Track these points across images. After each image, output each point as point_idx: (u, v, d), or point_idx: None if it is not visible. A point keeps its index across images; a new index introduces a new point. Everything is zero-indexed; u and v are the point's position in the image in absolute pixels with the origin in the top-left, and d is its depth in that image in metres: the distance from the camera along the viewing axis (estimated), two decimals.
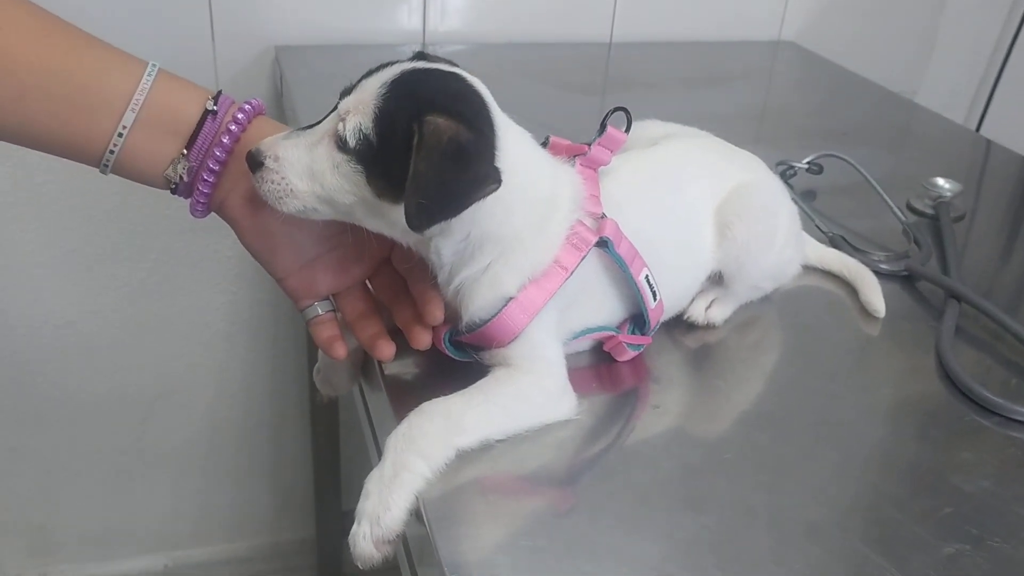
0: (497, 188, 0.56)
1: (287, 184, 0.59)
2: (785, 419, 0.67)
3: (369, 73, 0.60)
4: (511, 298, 0.62)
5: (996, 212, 1.07)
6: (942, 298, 0.82)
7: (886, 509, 0.59)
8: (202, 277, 1.47)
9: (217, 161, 0.63)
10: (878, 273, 0.84)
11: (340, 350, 0.67)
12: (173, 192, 0.65)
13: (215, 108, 0.63)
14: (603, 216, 0.65)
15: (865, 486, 0.62)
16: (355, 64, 1.30)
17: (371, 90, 0.58)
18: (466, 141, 0.56)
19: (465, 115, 0.57)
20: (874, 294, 0.81)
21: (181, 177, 0.63)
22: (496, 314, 0.62)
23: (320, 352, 0.71)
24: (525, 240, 0.62)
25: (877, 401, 0.71)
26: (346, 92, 0.60)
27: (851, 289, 0.84)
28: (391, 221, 0.59)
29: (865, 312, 0.81)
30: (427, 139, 0.54)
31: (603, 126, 0.68)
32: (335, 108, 0.60)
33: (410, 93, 0.57)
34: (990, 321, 0.79)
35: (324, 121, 0.60)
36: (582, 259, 0.63)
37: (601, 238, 0.64)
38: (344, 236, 0.64)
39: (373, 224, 0.61)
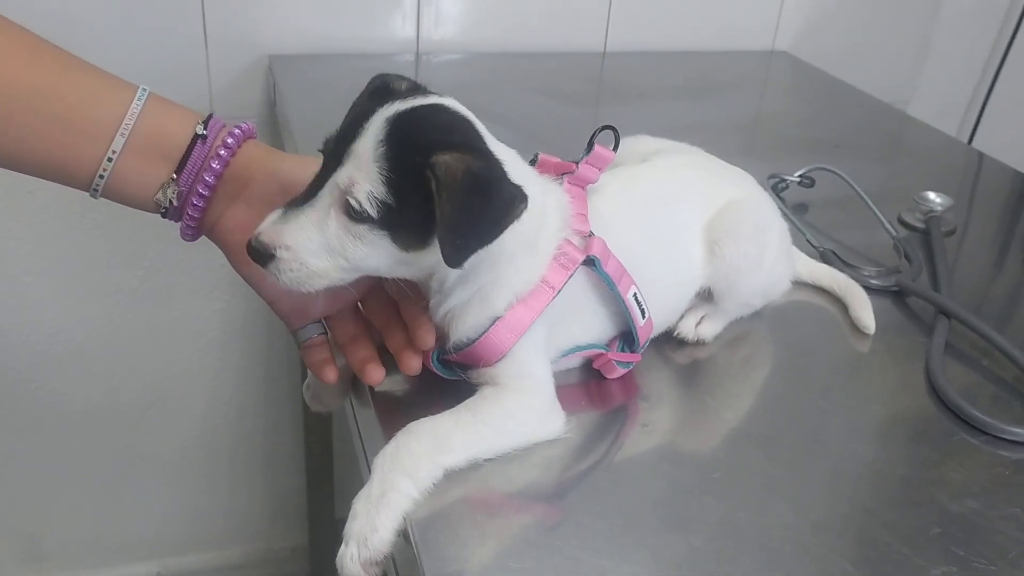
0: (527, 206, 0.56)
1: (307, 268, 0.58)
2: (775, 436, 0.67)
3: (348, 132, 0.58)
4: (498, 317, 0.62)
5: (988, 226, 1.08)
6: (932, 314, 0.83)
7: (875, 529, 0.59)
8: (195, 285, 1.47)
9: (207, 186, 0.63)
10: (868, 288, 0.84)
11: (331, 374, 0.67)
12: (163, 216, 0.65)
13: (204, 132, 0.63)
14: (590, 234, 0.65)
15: (855, 505, 0.62)
16: (348, 73, 1.31)
17: (368, 152, 0.56)
18: (479, 170, 0.55)
19: (468, 144, 0.57)
20: (864, 310, 0.81)
21: (171, 201, 0.63)
22: (483, 333, 0.62)
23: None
24: (515, 259, 0.62)
25: (867, 418, 0.71)
26: (330, 153, 0.58)
27: (842, 305, 0.84)
28: (418, 266, 0.60)
29: (855, 328, 0.81)
30: (443, 180, 0.54)
31: (591, 144, 0.68)
32: (327, 178, 0.58)
33: (409, 142, 0.56)
34: (980, 338, 0.79)
35: (322, 194, 0.58)
36: (569, 278, 0.63)
37: (588, 256, 0.64)
38: None
39: (395, 272, 0.61)
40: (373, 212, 0.56)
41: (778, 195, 1.02)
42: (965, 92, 1.74)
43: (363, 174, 0.56)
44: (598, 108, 1.33)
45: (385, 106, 0.58)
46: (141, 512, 1.66)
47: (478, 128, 0.60)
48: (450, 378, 0.66)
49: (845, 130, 1.31)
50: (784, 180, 1.04)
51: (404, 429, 0.59)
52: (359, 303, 0.69)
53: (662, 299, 0.71)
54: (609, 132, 0.70)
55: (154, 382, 1.54)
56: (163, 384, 1.55)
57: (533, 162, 0.69)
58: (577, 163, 0.68)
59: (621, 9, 1.47)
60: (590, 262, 0.64)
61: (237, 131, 0.64)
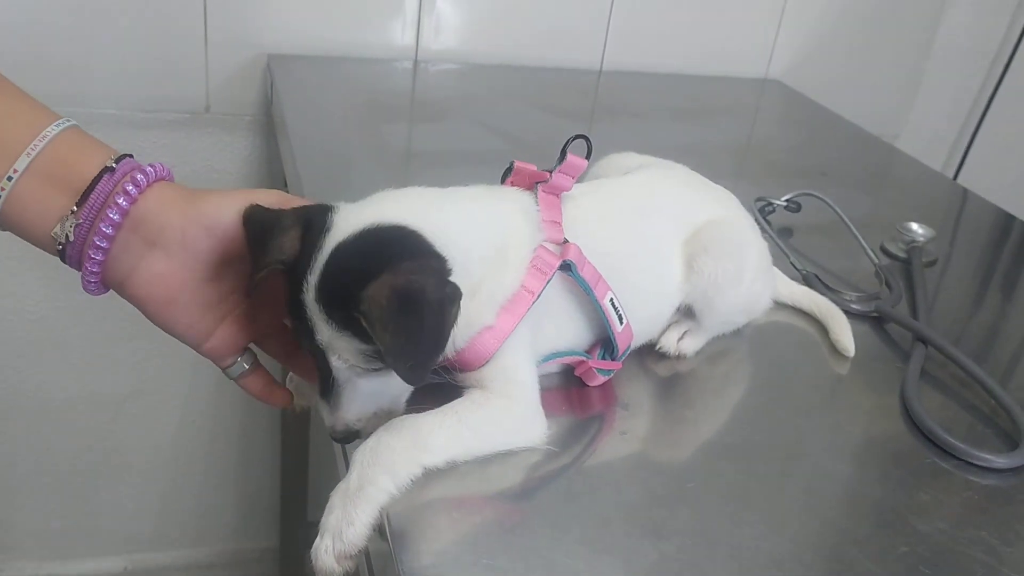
0: (461, 297, 0.56)
1: (384, 415, 0.62)
2: (751, 452, 0.68)
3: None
4: (488, 327, 0.62)
5: (969, 260, 1.09)
6: (910, 341, 0.84)
7: (845, 546, 0.60)
8: None
9: (111, 224, 0.57)
10: (848, 313, 0.85)
11: (283, 398, 0.69)
12: (61, 258, 0.59)
13: (114, 166, 0.58)
14: (565, 241, 0.66)
15: (826, 522, 0.63)
16: (347, 76, 1.31)
17: (326, 329, 0.57)
18: (402, 287, 0.54)
19: (392, 260, 0.56)
20: (844, 333, 0.82)
21: (67, 237, 0.57)
22: (467, 341, 0.62)
23: None
24: (487, 282, 0.62)
25: (842, 438, 0.72)
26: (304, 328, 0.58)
27: (822, 327, 0.85)
28: None
29: (835, 350, 0.82)
30: (370, 315, 0.54)
31: (563, 153, 0.69)
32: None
33: (343, 306, 0.56)
34: (957, 368, 0.80)
35: (337, 374, 0.60)
36: (547, 282, 0.64)
37: (564, 261, 0.65)
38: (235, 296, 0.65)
39: None
40: (375, 365, 0.58)
41: (764, 218, 1.03)
42: (952, 130, 1.77)
43: (339, 343, 0.57)
44: (592, 124, 1.34)
45: (306, 289, 0.58)
46: (111, 505, 1.65)
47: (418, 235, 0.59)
48: (434, 381, 0.66)
49: (833, 159, 1.33)
50: (771, 203, 1.05)
51: (386, 425, 0.60)
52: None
53: (639, 308, 0.72)
54: (581, 142, 0.71)
55: (132, 374, 1.53)
56: (141, 377, 1.54)
57: (509, 170, 0.70)
58: (551, 172, 0.69)
59: (619, 29, 1.49)
60: (566, 267, 0.65)
61: (149, 170, 0.59)
